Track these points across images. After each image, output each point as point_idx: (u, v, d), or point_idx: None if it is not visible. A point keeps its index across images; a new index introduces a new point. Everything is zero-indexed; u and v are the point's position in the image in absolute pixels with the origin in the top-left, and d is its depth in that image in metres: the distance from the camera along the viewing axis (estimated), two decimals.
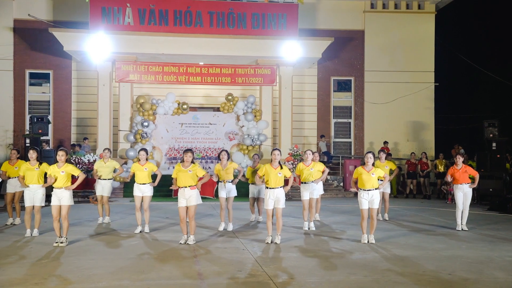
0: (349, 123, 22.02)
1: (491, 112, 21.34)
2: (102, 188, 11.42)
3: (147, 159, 10.40)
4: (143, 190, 10.15)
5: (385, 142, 20.51)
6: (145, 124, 18.96)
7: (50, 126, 18.94)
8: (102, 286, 6.22)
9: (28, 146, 15.24)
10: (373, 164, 9.16)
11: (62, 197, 8.70)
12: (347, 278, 6.66)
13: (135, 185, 10.19)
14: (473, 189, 16.75)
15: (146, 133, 18.94)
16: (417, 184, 19.39)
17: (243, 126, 19.68)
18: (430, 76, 22.04)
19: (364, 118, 21.86)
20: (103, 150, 11.90)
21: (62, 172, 8.68)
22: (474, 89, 25.40)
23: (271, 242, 8.87)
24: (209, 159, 19.53)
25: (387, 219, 12.18)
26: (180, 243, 8.79)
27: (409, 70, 21.85)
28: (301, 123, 21.22)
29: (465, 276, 6.81)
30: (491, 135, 16.12)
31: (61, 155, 8.74)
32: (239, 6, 19.49)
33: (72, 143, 19.62)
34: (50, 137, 19.76)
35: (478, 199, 16.80)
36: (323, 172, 10.89)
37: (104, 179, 11.44)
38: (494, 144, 15.97)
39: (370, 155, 9.11)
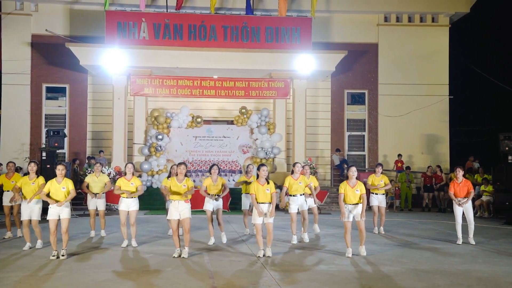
0: (363, 136, 21.95)
1: (507, 125, 21.11)
2: (97, 202, 11.28)
3: (133, 174, 10.17)
4: (129, 204, 9.97)
5: (399, 155, 20.44)
6: (160, 137, 19.10)
7: (66, 140, 19.16)
8: None
9: (44, 159, 15.42)
10: (357, 178, 9.08)
11: (62, 211, 8.76)
12: None
13: (121, 199, 10.00)
14: (489, 203, 16.80)
15: (160, 146, 19.07)
16: (433, 197, 19.25)
17: (256, 139, 19.73)
18: (445, 89, 21.92)
19: (378, 131, 21.78)
20: (95, 165, 11.85)
21: (63, 188, 8.78)
22: (489, 102, 25.19)
23: (263, 255, 8.86)
24: (222, 172, 19.55)
25: (382, 232, 12.04)
26: (174, 256, 8.74)
27: (423, 83, 21.75)
28: (314, 136, 21.20)
29: None
30: (506, 148, 15.91)
31: (61, 169, 8.80)
32: (253, 20, 19.67)
33: (87, 155, 19.83)
34: (66, 150, 20.01)
35: (494, 213, 16.60)
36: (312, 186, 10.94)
37: (97, 193, 11.30)
38: (510, 157, 15.77)
39: (353, 169, 9.03)
